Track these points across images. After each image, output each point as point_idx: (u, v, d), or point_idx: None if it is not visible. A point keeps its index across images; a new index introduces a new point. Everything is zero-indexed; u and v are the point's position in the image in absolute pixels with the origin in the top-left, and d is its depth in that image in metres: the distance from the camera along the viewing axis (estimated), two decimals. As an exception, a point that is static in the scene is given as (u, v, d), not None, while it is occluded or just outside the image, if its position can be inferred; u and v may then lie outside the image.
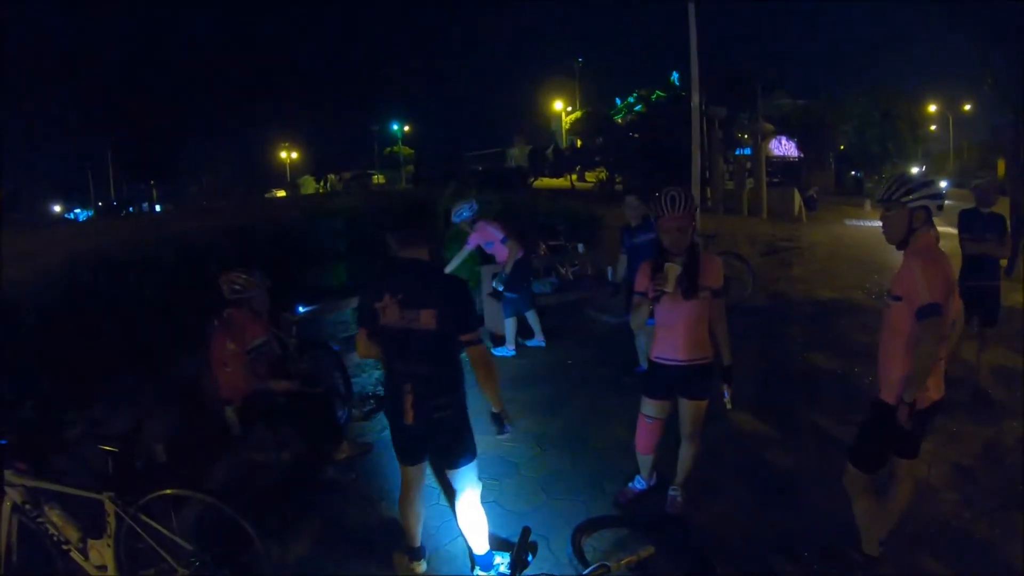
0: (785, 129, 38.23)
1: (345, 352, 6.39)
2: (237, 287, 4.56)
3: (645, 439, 4.04)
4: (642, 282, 3.78)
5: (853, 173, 40.13)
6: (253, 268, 4.70)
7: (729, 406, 3.91)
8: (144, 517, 3.07)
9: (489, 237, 7.31)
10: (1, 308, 5.36)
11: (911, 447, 3.29)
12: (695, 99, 12.86)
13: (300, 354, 5.51)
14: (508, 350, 7.59)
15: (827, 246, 15.73)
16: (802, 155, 40.11)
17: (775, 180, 32.34)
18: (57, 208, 46.20)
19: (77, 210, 48.02)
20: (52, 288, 6.23)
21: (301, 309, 6.57)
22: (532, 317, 7.79)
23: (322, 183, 46.50)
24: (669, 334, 3.80)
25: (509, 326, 7.63)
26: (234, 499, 3.29)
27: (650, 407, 3.94)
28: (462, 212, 7.34)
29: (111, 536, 3.12)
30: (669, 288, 3.55)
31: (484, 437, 5.24)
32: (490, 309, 8.65)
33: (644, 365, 5.95)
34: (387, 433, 5.45)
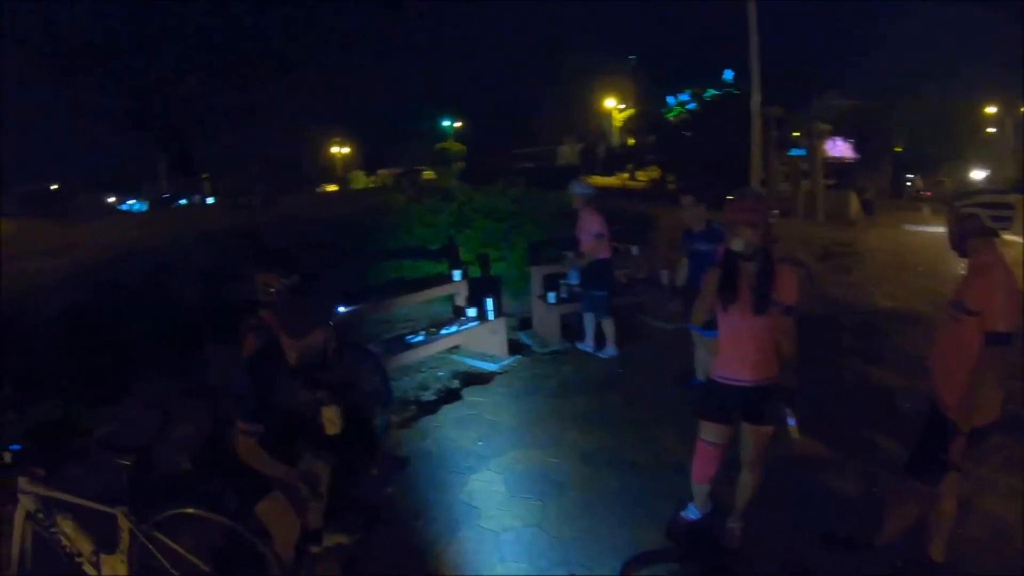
0: (840, 130, 37.22)
1: (385, 354, 6.14)
2: (272, 290, 4.34)
3: (702, 467, 3.68)
4: (707, 282, 3.45)
5: (908, 177, 38.90)
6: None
7: (795, 436, 3.46)
8: (159, 535, 2.87)
9: (587, 226, 7.17)
10: (25, 308, 5.28)
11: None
12: (755, 98, 12.47)
13: (339, 356, 5.27)
14: (611, 350, 7.31)
15: (887, 251, 14.96)
16: (858, 156, 39.03)
17: (830, 182, 31.46)
18: (111, 199, 47.24)
19: (131, 201, 49.07)
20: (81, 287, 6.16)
21: (340, 309, 6.37)
22: (589, 320, 7.48)
23: (372, 178, 46.88)
24: (735, 351, 3.44)
25: (588, 322, 7.41)
26: (254, 519, 3.07)
27: (710, 431, 3.58)
28: (575, 188, 7.44)
29: (124, 552, 2.92)
30: (738, 246, 3.25)
31: (528, 452, 5.00)
32: (538, 310, 8.36)
33: (701, 378, 5.58)
34: (426, 443, 5.21)
